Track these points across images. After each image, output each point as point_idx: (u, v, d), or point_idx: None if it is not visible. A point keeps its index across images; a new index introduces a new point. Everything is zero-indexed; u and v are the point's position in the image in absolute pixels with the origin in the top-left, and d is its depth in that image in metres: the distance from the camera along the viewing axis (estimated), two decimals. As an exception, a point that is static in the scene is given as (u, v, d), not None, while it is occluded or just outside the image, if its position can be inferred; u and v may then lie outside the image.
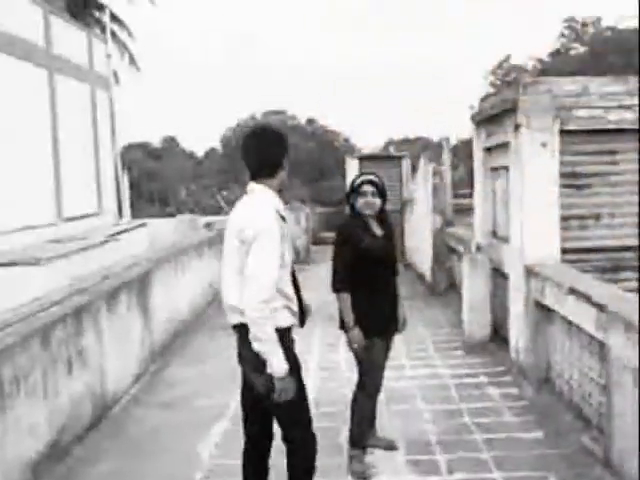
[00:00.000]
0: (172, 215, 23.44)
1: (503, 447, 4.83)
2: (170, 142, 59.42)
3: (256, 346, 3.13)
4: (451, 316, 8.98)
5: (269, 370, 3.15)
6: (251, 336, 3.12)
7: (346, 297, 4.37)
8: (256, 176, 3.40)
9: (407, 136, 47.89)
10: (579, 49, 34.51)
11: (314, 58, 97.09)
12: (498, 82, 35.65)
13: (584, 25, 35.25)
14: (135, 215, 28.97)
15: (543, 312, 5.84)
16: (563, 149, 6.20)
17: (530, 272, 5.99)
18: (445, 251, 10.73)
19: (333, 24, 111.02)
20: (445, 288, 10.69)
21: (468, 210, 13.06)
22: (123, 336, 6.28)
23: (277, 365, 3.14)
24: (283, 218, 3.33)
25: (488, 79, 36.92)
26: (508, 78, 35.10)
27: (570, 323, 5.21)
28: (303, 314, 3.51)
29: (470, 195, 19.96)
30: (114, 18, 22.06)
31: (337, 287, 4.37)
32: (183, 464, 4.76)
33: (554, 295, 5.35)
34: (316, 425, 3.63)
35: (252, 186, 3.41)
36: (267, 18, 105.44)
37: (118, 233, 14.38)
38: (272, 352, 3.13)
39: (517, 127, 6.19)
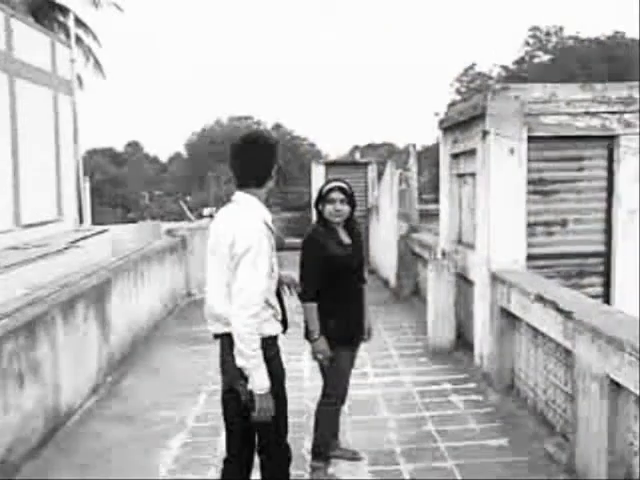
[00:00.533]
0: (134, 221, 23.11)
1: (468, 455, 4.76)
2: (134, 147, 58.86)
3: (240, 362, 3.08)
4: (415, 322, 8.91)
5: (250, 386, 3.11)
6: (236, 351, 3.08)
7: (312, 307, 4.23)
8: (243, 185, 3.32)
9: (373, 142, 48.15)
10: (542, 57, 35.14)
11: (280, 64, 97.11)
12: (463, 89, 36.05)
13: (547, 34, 35.98)
14: (97, 221, 28.52)
15: (508, 319, 5.79)
16: (530, 155, 6.17)
17: (496, 279, 5.94)
18: (410, 257, 10.68)
19: (299, 32, 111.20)
20: (410, 294, 10.64)
21: (433, 216, 13.07)
22: (79, 347, 6.05)
23: (259, 382, 3.09)
24: (271, 229, 3.28)
25: (454, 86, 37.30)
26: (473, 85, 35.54)
27: (536, 330, 5.17)
28: (286, 322, 3.45)
29: (434, 200, 20.06)
30: (79, 22, 21.70)
31: (303, 296, 4.24)
32: (140, 480, 4.57)
33: (520, 302, 5.30)
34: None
35: (239, 195, 3.32)
36: (234, 22, 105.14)
37: (79, 240, 14.09)
38: (256, 369, 3.08)
39: (485, 133, 6.15)
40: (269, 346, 3.23)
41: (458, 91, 36.47)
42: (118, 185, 45.43)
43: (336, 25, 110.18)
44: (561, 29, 35.68)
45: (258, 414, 3.12)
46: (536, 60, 35.24)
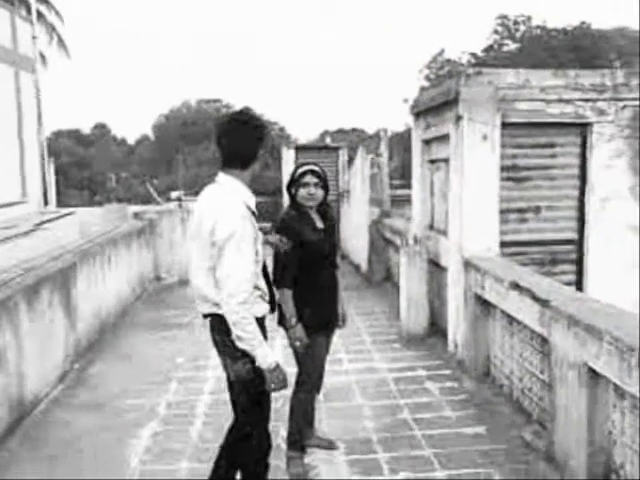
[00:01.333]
0: (100, 203, 22.70)
1: (445, 443, 4.72)
2: (101, 129, 57.73)
3: (242, 345, 3.11)
4: (388, 308, 8.89)
5: (258, 364, 3.14)
6: (234, 336, 3.10)
7: (288, 293, 4.13)
8: (227, 166, 3.26)
9: (342, 127, 47.94)
10: (510, 45, 35.39)
11: (251, 47, 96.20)
12: (432, 76, 36.09)
13: (516, 23, 36.26)
14: (64, 203, 27.97)
15: (482, 306, 5.77)
16: (504, 142, 6.15)
17: (469, 265, 5.92)
18: (382, 242, 10.65)
19: (270, 15, 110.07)
20: (381, 279, 10.62)
21: (403, 201, 13.06)
22: (45, 334, 5.88)
23: (264, 359, 3.12)
24: (254, 213, 3.24)
25: (422, 73, 37.29)
26: (442, 72, 35.60)
27: (511, 318, 5.16)
28: (273, 301, 3.51)
29: (404, 186, 20.07)
30: (42, -1, 21.10)
31: (279, 283, 4.14)
32: (110, 472, 4.44)
33: (494, 289, 5.28)
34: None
35: (221, 177, 3.27)
36: (202, 2, 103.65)
37: (44, 222, 13.76)
38: (258, 347, 3.11)
39: (458, 119, 6.10)
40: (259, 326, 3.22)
41: (427, 77, 36.50)
42: (84, 167, 44.65)
43: (303, 5, 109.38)
44: (529, 18, 36.01)
45: (273, 388, 3.18)
46: (505, 48, 35.47)
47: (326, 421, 5.17)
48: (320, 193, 4.24)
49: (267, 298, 3.38)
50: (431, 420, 5.17)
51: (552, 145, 6.34)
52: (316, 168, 4.27)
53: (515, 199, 6.33)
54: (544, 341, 4.50)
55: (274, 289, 4.15)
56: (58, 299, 6.28)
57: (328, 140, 20.10)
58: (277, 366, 3.16)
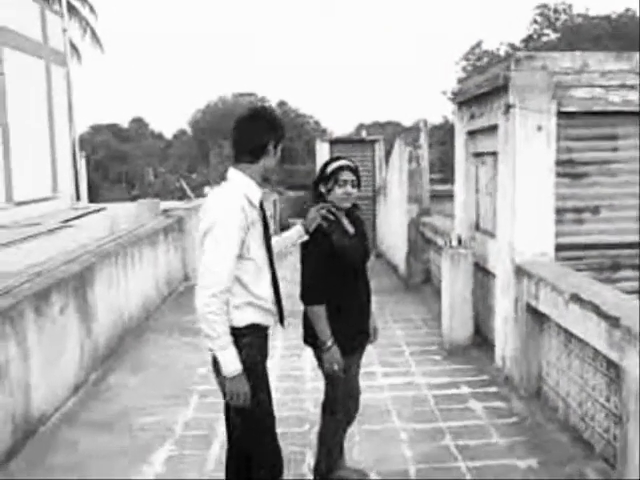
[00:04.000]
0: (137, 198, 22.50)
1: (493, 478, 4.13)
2: (139, 123, 57.99)
3: (207, 344, 2.95)
4: (428, 314, 8.28)
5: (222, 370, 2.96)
6: (202, 333, 2.94)
7: (320, 310, 3.55)
8: (237, 160, 3.12)
9: (377, 120, 47.17)
10: (550, 36, 34.32)
11: (284, 39, 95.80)
12: (470, 67, 35.25)
13: (556, 12, 35.27)
14: (101, 197, 27.90)
15: (536, 318, 5.15)
16: (558, 133, 5.50)
17: (521, 272, 5.30)
18: (421, 242, 10.03)
19: (306, 10, 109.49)
20: (420, 282, 10.00)
21: (443, 197, 12.40)
22: (56, 343, 5.44)
23: (226, 364, 2.92)
24: (261, 207, 3.10)
25: (460, 64, 36.50)
26: (480, 63, 34.74)
27: (570, 333, 4.53)
28: (282, 312, 3.28)
29: (442, 180, 19.31)
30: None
31: (309, 298, 3.58)
32: (114, 504, 3.98)
33: (551, 301, 4.65)
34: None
35: (230, 172, 3.12)
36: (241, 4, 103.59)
37: (73, 218, 13.47)
38: (222, 350, 2.91)
39: (508, 108, 5.46)
40: (244, 336, 3.01)
41: (464, 69, 35.73)
42: (122, 161, 44.87)
43: (339, 4, 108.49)
44: (570, 7, 35.02)
45: (230, 399, 2.98)
46: (544, 39, 34.38)
47: (358, 446, 4.63)
48: (356, 192, 3.70)
49: (267, 307, 3.13)
50: (477, 448, 4.58)
51: (613, 137, 5.66)
52: (351, 164, 3.71)
53: (571, 197, 5.67)
54: (611, 364, 3.87)
55: (305, 307, 3.62)
56: (72, 305, 5.84)
57: (364, 133, 19.46)
58: (239, 377, 2.93)
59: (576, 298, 4.21)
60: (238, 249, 2.93)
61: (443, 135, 32.60)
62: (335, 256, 3.56)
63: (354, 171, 3.68)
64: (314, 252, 3.58)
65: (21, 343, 4.79)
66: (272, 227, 15.41)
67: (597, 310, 3.90)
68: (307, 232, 3.57)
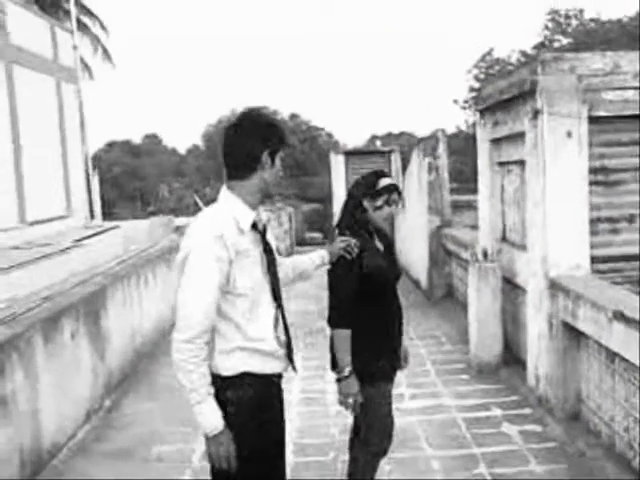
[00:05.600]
0: (153, 214, 22.37)
1: (534, 512, 3.84)
2: (152, 139, 58.12)
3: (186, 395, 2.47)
4: (452, 330, 7.97)
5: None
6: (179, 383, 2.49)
7: (344, 333, 3.25)
8: (228, 178, 2.63)
9: (390, 131, 46.89)
10: (562, 41, 34.01)
11: (298, 56, 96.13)
12: (482, 76, 34.99)
13: (567, 17, 35.00)
14: (115, 215, 27.81)
15: (572, 336, 4.84)
16: (590, 139, 5.21)
17: (555, 287, 4.99)
18: (443, 255, 9.72)
19: (314, 20, 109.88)
20: (442, 296, 9.69)
21: (461, 207, 12.10)
22: (67, 370, 5.20)
23: (204, 421, 2.45)
24: (264, 230, 2.64)
25: (472, 72, 36.26)
26: (491, 71, 34.49)
27: (612, 353, 4.22)
28: (291, 356, 2.72)
29: (457, 190, 18.99)
30: (85, 10, 20.84)
31: (336, 321, 3.28)
32: None
33: (591, 319, 4.34)
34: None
35: (221, 192, 2.65)
36: (249, 10, 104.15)
37: (86, 237, 13.29)
38: (198, 405, 2.45)
39: (536, 113, 5.18)
40: (231, 388, 2.52)
41: (476, 78, 35.47)
42: (137, 178, 44.96)
43: (348, 15, 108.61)
44: (581, 12, 34.70)
45: (211, 460, 2.50)
46: (556, 44, 34.05)
47: (387, 476, 4.33)
48: None
49: (269, 349, 2.59)
50: (514, 477, 4.27)
51: (648, 142, 5.37)
52: (396, 183, 3.49)
53: (605, 207, 5.37)
54: (664, 388, 3.57)
55: (331, 331, 3.34)
56: (83, 329, 5.61)
57: (378, 144, 19.23)
58: (220, 436, 2.44)
59: (621, 316, 3.91)
60: (217, 285, 2.44)
61: (458, 143, 32.30)
62: (368, 276, 3.28)
63: (399, 191, 3.46)
64: (344, 273, 3.29)
65: (29, 372, 4.55)
66: (287, 242, 15.14)
67: (646, 329, 3.60)
68: (331, 262, 3.23)
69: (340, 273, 3.28)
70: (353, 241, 3.22)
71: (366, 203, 3.38)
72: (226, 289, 2.48)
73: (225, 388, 2.50)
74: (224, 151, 2.61)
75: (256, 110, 2.68)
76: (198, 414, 2.44)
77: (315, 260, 3.19)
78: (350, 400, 3.24)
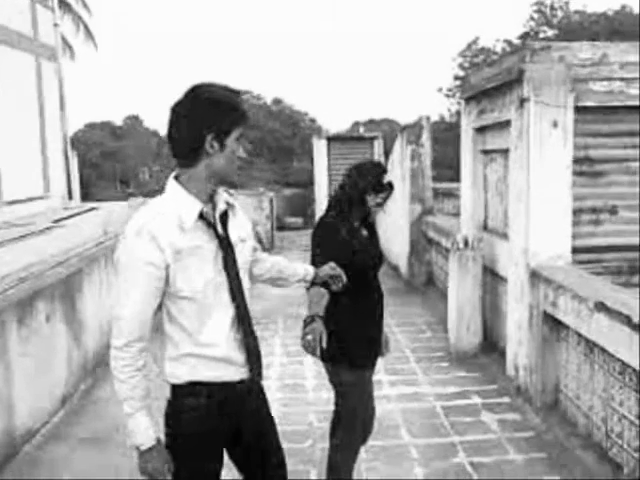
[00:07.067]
0: (132, 196, 22.11)
1: (513, 501, 3.84)
2: (134, 121, 57.39)
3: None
4: (432, 317, 7.98)
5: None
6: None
7: (323, 292, 2.95)
8: (177, 165, 2.29)
9: (373, 118, 46.75)
10: (547, 32, 34.10)
11: (280, 39, 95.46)
12: (467, 64, 35.00)
13: (553, 9, 35.10)
14: (94, 196, 27.47)
15: (553, 326, 4.84)
16: (575, 129, 5.18)
17: (536, 276, 4.98)
18: (423, 242, 9.71)
19: (299, 8, 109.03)
20: (423, 283, 9.69)
21: (442, 195, 12.07)
22: (42, 353, 5.11)
23: (132, 432, 2.25)
24: (222, 222, 2.30)
25: (456, 61, 36.25)
26: (477, 60, 34.51)
27: (592, 343, 4.22)
28: (257, 360, 2.40)
29: (437, 178, 18.97)
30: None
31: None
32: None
33: (572, 309, 4.34)
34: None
35: (168, 181, 2.30)
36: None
37: (65, 218, 13.11)
38: (127, 416, 2.25)
39: (523, 102, 5.15)
40: (178, 398, 2.33)
41: (461, 66, 35.47)
42: (117, 159, 44.47)
43: (334, 0, 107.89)
44: (567, 3, 34.85)
45: (141, 473, 2.27)
46: (541, 35, 34.13)
47: (366, 464, 4.31)
48: None
49: (222, 355, 2.31)
50: (493, 466, 4.27)
51: (633, 133, 5.36)
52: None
53: (588, 197, 5.37)
54: (643, 380, 3.57)
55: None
56: (59, 312, 5.51)
57: (361, 130, 19.16)
58: (151, 451, 2.23)
59: (602, 306, 3.90)
60: (148, 291, 2.18)
61: (440, 132, 32.29)
62: (349, 262, 3.17)
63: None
64: (326, 250, 3.20)
65: (1, 355, 4.46)
66: (267, 227, 15.02)
67: (627, 320, 3.59)
68: (313, 282, 2.90)
69: (320, 250, 3.22)
70: (343, 276, 2.90)
71: (368, 196, 3.35)
72: (169, 292, 2.23)
73: (174, 397, 2.33)
74: (169, 134, 2.25)
75: (202, 86, 2.24)
76: (128, 426, 2.25)
77: (299, 272, 2.84)
78: (310, 337, 2.79)
